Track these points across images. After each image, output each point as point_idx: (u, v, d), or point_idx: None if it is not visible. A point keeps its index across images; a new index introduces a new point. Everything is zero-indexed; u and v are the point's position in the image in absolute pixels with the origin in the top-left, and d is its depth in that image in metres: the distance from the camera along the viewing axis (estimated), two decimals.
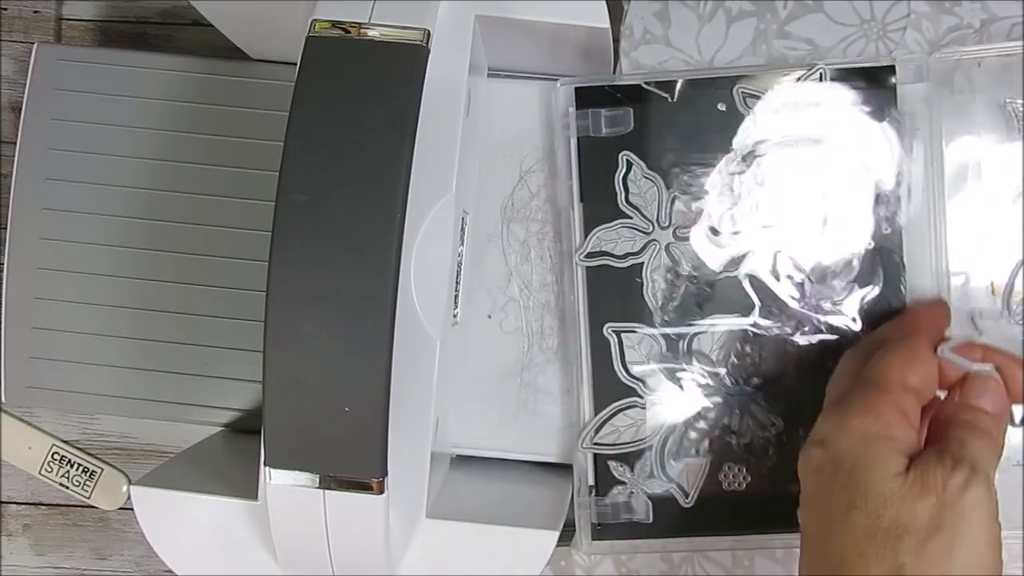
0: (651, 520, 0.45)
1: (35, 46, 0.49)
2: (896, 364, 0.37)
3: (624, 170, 0.45)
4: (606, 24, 0.41)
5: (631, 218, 0.45)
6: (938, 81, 0.43)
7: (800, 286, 0.44)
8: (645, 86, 0.45)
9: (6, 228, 0.49)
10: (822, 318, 0.44)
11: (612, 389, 0.45)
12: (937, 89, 0.43)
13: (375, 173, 0.34)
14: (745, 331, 0.44)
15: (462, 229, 0.44)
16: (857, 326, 0.43)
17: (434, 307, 0.40)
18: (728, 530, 0.45)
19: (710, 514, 0.44)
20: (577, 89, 0.45)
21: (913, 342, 0.38)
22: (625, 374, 0.45)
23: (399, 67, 0.35)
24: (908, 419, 0.36)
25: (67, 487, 0.54)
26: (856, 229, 0.44)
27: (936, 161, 0.43)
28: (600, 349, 0.45)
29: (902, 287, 0.43)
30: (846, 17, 0.46)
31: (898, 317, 0.43)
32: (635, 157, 0.45)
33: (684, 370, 0.45)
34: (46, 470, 0.54)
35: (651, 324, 0.45)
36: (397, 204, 0.34)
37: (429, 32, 0.36)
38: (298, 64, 0.35)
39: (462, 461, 0.48)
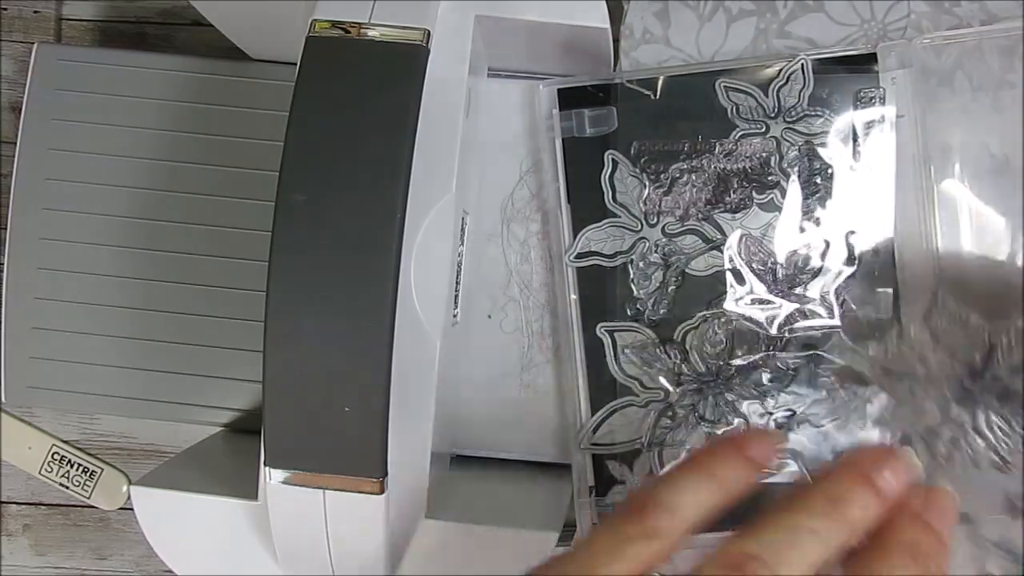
0: None
1: (35, 46, 0.49)
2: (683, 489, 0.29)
3: (610, 169, 0.45)
4: (606, 24, 0.41)
5: (619, 217, 0.45)
6: (920, 67, 0.44)
7: (776, 271, 0.44)
8: (627, 84, 0.45)
9: (6, 228, 0.49)
10: (805, 306, 0.44)
11: (607, 389, 0.45)
12: (920, 75, 0.44)
13: (375, 173, 0.34)
14: (738, 323, 0.44)
15: (462, 229, 0.44)
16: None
17: (434, 307, 0.40)
18: (728, 526, 0.44)
19: None
20: (560, 90, 0.45)
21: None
22: (620, 373, 0.45)
23: (399, 67, 0.35)
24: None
25: (67, 487, 0.54)
26: (835, 215, 0.44)
27: (922, 146, 0.44)
28: (594, 349, 0.45)
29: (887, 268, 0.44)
30: (846, 17, 0.46)
31: None
32: (620, 156, 0.45)
33: (680, 366, 0.45)
34: (46, 470, 0.54)
35: (644, 322, 0.45)
36: (397, 204, 0.34)
37: (429, 32, 0.36)
38: (298, 64, 0.35)
39: (462, 461, 0.48)
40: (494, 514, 0.42)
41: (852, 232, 0.44)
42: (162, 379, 0.49)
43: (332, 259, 0.34)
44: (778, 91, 0.44)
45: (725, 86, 0.45)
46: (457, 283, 0.45)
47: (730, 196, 0.45)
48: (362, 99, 0.35)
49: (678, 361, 0.45)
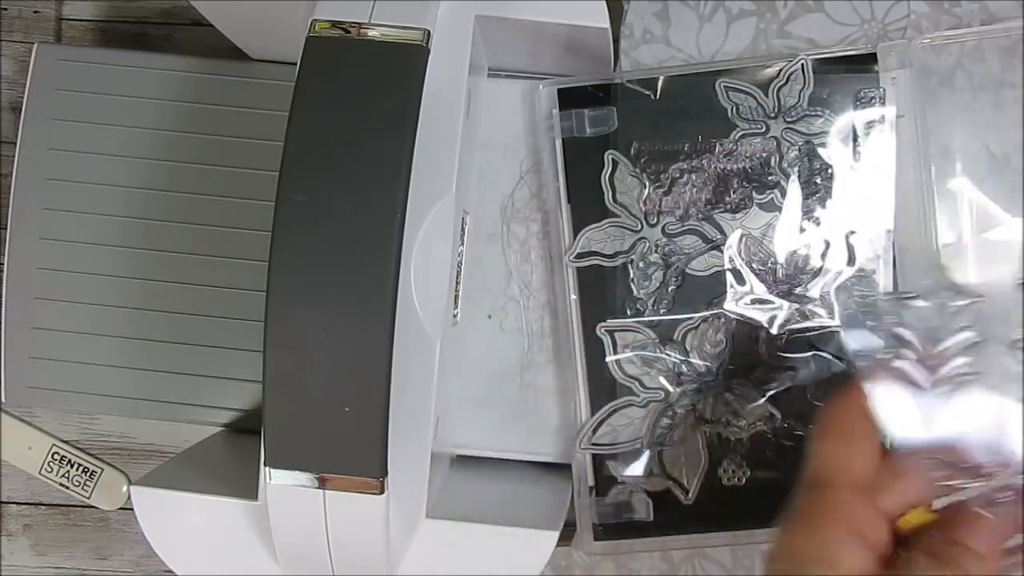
0: (652, 519, 0.45)
1: (35, 46, 0.49)
2: (830, 453, 0.32)
3: (610, 169, 0.45)
4: (606, 24, 0.41)
5: (619, 217, 0.45)
6: (920, 67, 0.44)
7: (776, 272, 0.44)
8: (627, 84, 0.45)
9: (6, 228, 0.49)
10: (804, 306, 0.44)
11: (608, 389, 0.45)
12: (920, 75, 0.44)
13: (375, 173, 0.34)
14: (738, 323, 0.44)
15: (462, 229, 0.44)
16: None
17: (434, 307, 0.40)
18: (729, 526, 0.45)
19: (711, 510, 0.44)
20: (560, 90, 0.45)
21: (842, 420, 0.32)
22: (620, 373, 0.45)
23: (399, 67, 0.35)
24: (861, 534, 0.30)
25: (67, 487, 0.54)
26: (836, 214, 0.44)
27: (922, 146, 0.44)
28: (594, 350, 0.45)
29: (889, 271, 0.44)
30: (846, 17, 0.46)
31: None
32: (620, 156, 0.45)
33: (680, 366, 0.45)
34: (46, 470, 0.54)
35: (644, 322, 0.45)
36: (397, 204, 0.34)
37: (429, 32, 0.36)
38: (298, 64, 0.35)
39: (462, 461, 0.48)
40: (494, 514, 0.42)
41: (852, 232, 0.44)
42: (162, 379, 0.49)
43: (332, 259, 0.34)
44: (778, 91, 0.44)
45: (725, 86, 0.45)
46: (457, 283, 0.45)
47: (730, 196, 0.45)
48: (362, 99, 0.35)
49: (678, 361, 0.45)
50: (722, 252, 0.45)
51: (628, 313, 0.45)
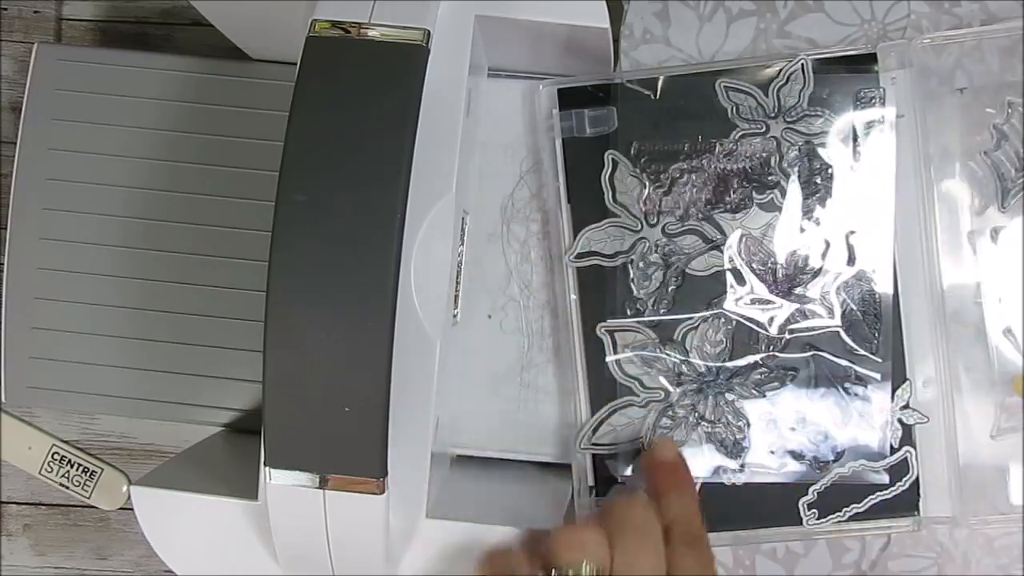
0: None
1: (35, 46, 0.49)
2: None
3: (610, 169, 0.45)
4: (606, 24, 0.41)
5: (619, 217, 0.45)
6: (920, 67, 0.44)
7: (776, 272, 0.44)
8: (627, 84, 0.45)
9: (6, 228, 0.49)
10: (804, 306, 0.44)
11: (608, 389, 0.45)
12: (919, 75, 0.44)
13: (375, 173, 0.34)
14: (738, 323, 0.44)
15: (462, 229, 0.44)
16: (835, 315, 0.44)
17: (434, 307, 0.40)
18: (729, 526, 0.45)
19: (711, 511, 0.44)
20: (560, 90, 0.45)
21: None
22: (620, 373, 0.45)
23: (399, 67, 0.35)
24: None
25: (67, 487, 0.54)
26: (835, 215, 0.44)
27: (922, 146, 0.44)
28: (594, 350, 0.45)
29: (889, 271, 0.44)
30: (846, 17, 0.46)
31: None
32: (620, 156, 0.45)
33: (680, 366, 0.45)
34: (46, 470, 0.54)
35: (644, 322, 0.45)
36: (397, 204, 0.34)
37: (429, 32, 0.36)
38: (298, 64, 0.35)
39: (462, 461, 0.48)
40: (494, 514, 0.42)
41: (852, 232, 0.44)
42: (162, 379, 0.49)
43: (332, 259, 0.34)
44: (778, 91, 0.44)
45: (725, 86, 0.45)
46: (457, 283, 0.45)
47: (730, 196, 0.45)
48: (362, 99, 0.35)
49: (678, 361, 0.45)
50: (722, 252, 0.45)
51: (628, 313, 0.45)
